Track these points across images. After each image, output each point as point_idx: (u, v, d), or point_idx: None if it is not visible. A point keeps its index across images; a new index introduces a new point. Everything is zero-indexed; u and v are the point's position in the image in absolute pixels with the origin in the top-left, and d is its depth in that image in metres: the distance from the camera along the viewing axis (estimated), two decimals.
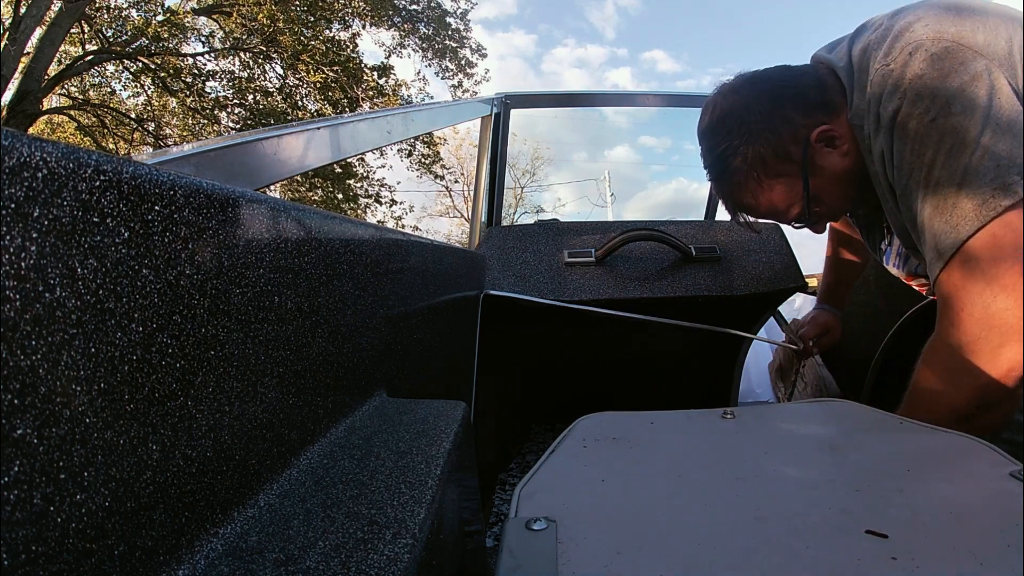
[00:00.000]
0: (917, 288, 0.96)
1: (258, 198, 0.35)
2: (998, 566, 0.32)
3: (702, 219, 1.77)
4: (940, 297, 0.71)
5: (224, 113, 9.21)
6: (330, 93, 8.99)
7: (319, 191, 10.00)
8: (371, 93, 9.06)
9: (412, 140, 9.81)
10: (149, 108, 9.21)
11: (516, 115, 1.82)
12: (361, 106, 8.90)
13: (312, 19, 8.91)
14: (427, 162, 10.64)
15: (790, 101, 0.81)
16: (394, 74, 9.55)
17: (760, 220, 0.96)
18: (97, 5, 7.96)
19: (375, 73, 9.36)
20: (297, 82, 9.15)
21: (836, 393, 1.17)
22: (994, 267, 0.63)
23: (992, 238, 0.63)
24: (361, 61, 9.29)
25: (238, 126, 9.07)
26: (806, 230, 1.03)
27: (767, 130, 0.81)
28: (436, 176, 11.24)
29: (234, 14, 8.52)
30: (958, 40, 0.69)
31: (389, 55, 9.77)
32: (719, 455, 0.49)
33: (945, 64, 0.67)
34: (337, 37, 9.21)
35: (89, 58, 8.21)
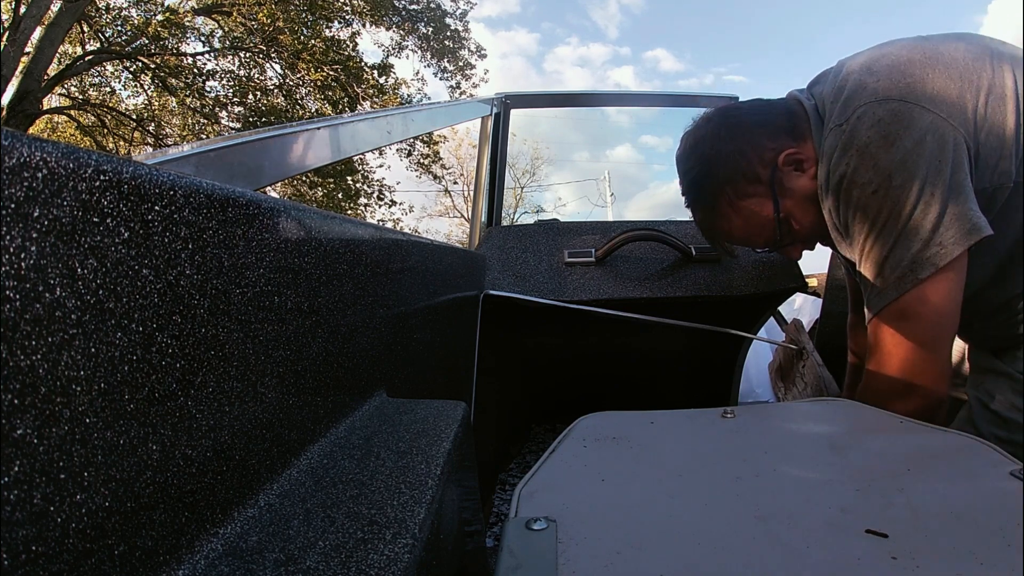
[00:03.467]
0: None
1: (258, 198, 0.35)
2: (998, 566, 0.32)
3: None
4: (869, 343, 0.79)
5: (224, 112, 9.22)
6: (329, 93, 8.99)
7: (320, 189, 10.01)
8: (371, 92, 9.06)
9: (412, 140, 9.82)
10: (149, 108, 9.21)
11: (517, 115, 1.82)
12: (361, 105, 8.90)
13: (312, 18, 8.91)
14: (426, 162, 10.63)
15: (758, 127, 0.86)
16: (394, 73, 9.56)
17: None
18: (97, 5, 7.95)
19: (375, 72, 9.36)
20: (297, 81, 9.15)
21: (836, 393, 1.17)
22: (906, 328, 0.74)
23: (906, 305, 0.73)
24: (361, 60, 9.29)
25: (238, 125, 9.07)
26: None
27: (736, 153, 0.85)
28: (435, 177, 11.24)
29: (234, 13, 8.52)
30: (905, 97, 0.72)
31: (388, 55, 9.78)
32: (719, 455, 0.49)
33: (890, 129, 0.71)
34: (337, 36, 9.21)
35: (89, 58, 8.21)
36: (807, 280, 1.46)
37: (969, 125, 0.71)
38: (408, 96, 9.74)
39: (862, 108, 0.74)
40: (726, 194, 0.87)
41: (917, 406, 0.73)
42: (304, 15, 8.79)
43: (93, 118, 8.94)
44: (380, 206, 10.77)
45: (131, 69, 8.75)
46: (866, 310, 0.78)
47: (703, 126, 0.90)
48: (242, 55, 9.05)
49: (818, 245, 1.03)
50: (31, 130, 6.44)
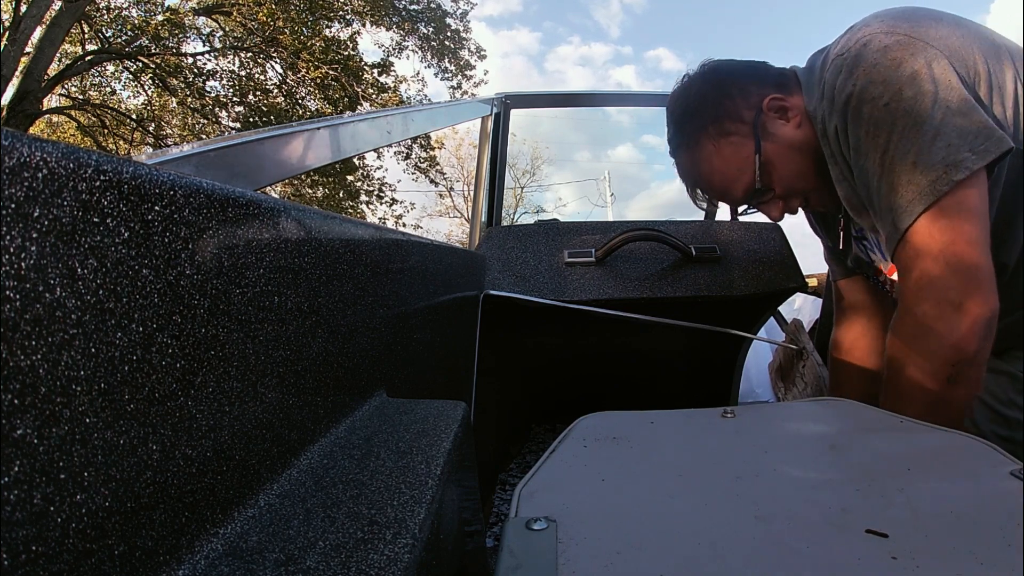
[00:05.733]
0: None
1: (258, 198, 0.35)
2: (998, 566, 0.32)
3: (702, 219, 1.77)
4: (900, 269, 0.74)
5: (224, 112, 9.22)
6: (330, 92, 8.99)
7: (321, 188, 10.03)
8: (371, 92, 9.05)
9: (409, 143, 9.83)
10: (149, 108, 9.21)
11: (519, 114, 1.82)
12: (361, 104, 8.90)
13: (312, 18, 8.91)
14: (423, 166, 10.61)
15: (745, 75, 0.88)
16: (394, 70, 9.56)
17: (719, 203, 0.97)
18: (97, 5, 7.95)
19: (375, 70, 9.36)
20: (297, 81, 9.15)
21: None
22: (949, 235, 0.68)
23: (946, 209, 0.68)
24: (361, 59, 9.29)
25: (238, 125, 9.07)
26: (805, 227, 1.03)
27: (721, 94, 0.86)
28: (432, 181, 11.24)
29: (234, 13, 8.52)
30: (910, 34, 0.73)
31: (388, 55, 9.78)
32: (719, 454, 0.49)
33: (896, 53, 0.71)
34: (337, 36, 9.22)
35: (89, 58, 8.21)
36: (807, 280, 1.46)
37: (970, 73, 0.72)
38: (408, 96, 9.75)
39: (867, 37, 0.74)
40: (708, 132, 0.87)
41: (977, 318, 0.67)
42: (304, 15, 8.79)
43: (93, 118, 8.94)
44: (381, 204, 10.78)
45: (131, 69, 8.75)
46: (892, 228, 0.73)
47: (692, 75, 0.91)
48: (242, 55, 9.05)
49: (809, 240, 1.02)
50: (31, 130, 6.44)
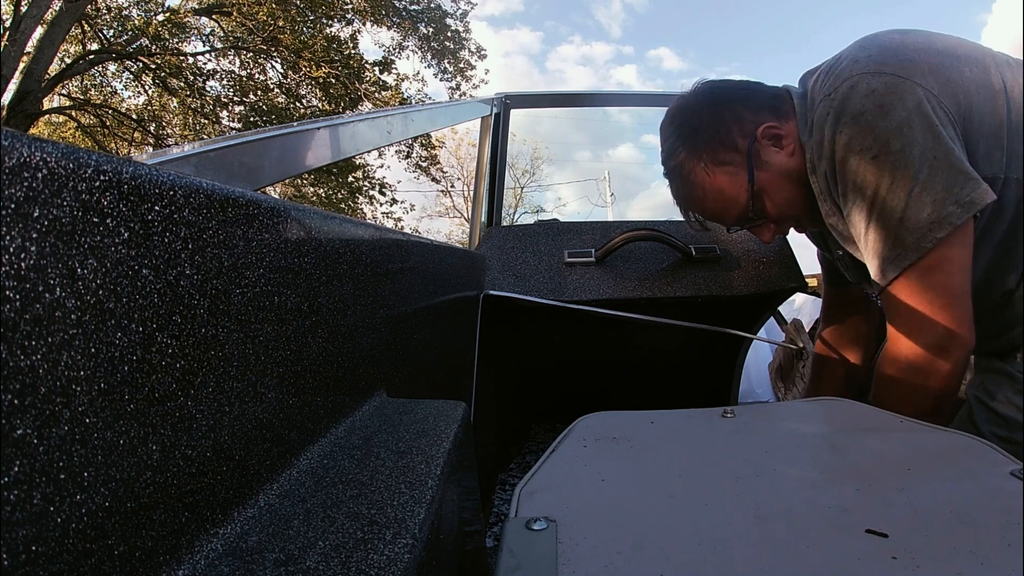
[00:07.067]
0: None
1: (258, 198, 0.35)
2: (998, 566, 0.32)
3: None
4: (886, 312, 0.78)
5: (225, 112, 9.22)
6: (331, 91, 8.99)
7: (322, 187, 10.04)
8: (373, 89, 9.05)
9: (410, 142, 9.84)
10: (149, 108, 9.21)
11: (519, 114, 1.82)
12: (363, 103, 8.91)
13: (312, 17, 8.92)
14: (424, 164, 10.62)
15: (741, 100, 0.87)
16: (395, 68, 9.56)
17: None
18: (97, 5, 7.95)
19: (377, 68, 9.37)
20: (298, 80, 9.15)
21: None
22: (933, 288, 0.72)
23: (930, 265, 0.71)
24: (362, 58, 9.30)
25: (239, 125, 9.07)
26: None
27: (716, 121, 0.86)
28: (433, 179, 11.25)
29: (234, 13, 8.52)
30: (897, 72, 0.72)
31: (388, 55, 9.78)
32: (719, 454, 0.49)
33: (884, 99, 0.71)
34: (337, 35, 9.23)
35: (89, 58, 8.21)
36: (807, 280, 1.46)
37: (960, 108, 0.72)
38: (409, 96, 9.76)
39: (854, 78, 0.74)
40: (703, 160, 0.87)
41: (957, 360, 0.72)
42: (304, 14, 8.79)
43: (93, 118, 8.94)
44: (381, 204, 10.78)
45: (132, 69, 8.75)
46: (879, 275, 0.76)
47: (688, 97, 0.91)
48: (243, 55, 9.06)
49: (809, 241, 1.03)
50: (31, 130, 6.44)
